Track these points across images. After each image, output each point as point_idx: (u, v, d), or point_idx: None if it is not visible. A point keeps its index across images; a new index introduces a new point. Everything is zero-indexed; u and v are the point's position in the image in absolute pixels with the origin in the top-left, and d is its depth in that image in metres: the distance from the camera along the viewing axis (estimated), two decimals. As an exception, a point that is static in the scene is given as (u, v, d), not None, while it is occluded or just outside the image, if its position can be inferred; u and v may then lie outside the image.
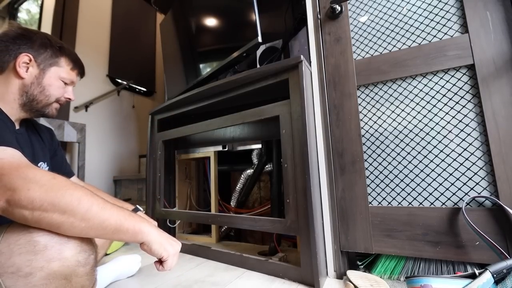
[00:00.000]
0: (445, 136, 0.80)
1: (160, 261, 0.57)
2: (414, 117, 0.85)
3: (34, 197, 0.43)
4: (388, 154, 0.88)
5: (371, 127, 0.92)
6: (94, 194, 0.50)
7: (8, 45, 0.65)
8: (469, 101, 0.78)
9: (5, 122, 0.59)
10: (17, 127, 0.71)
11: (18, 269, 0.43)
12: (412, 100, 0.86)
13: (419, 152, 0.83)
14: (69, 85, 0.75)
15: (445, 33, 0.83)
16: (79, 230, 0.47)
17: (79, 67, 0.77)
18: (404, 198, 0.84)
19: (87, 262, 0.50)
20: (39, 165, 0.73)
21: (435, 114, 0.82)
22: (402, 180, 0.85)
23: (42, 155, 0.77)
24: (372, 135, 0.91)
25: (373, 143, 0.91)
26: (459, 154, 0.78)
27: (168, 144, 1.52)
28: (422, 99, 0.84)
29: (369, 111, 0.92)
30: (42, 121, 1.60)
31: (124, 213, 0.52)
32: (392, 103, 0.89)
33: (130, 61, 2.48)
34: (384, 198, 0.87)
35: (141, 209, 0.93)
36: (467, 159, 0.77)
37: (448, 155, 0.79)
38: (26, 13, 2.70)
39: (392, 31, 0.91)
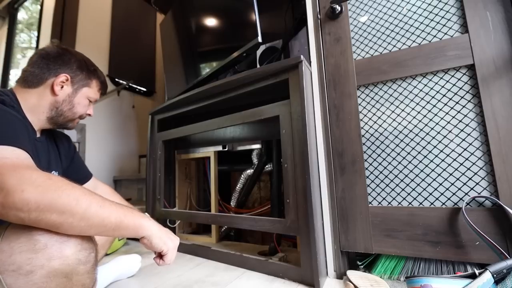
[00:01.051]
0: (445, 136, 0.80)
1: (160, 256, 0.58)
2: (414, 117, 0.85)
3: (29, 199, 0.42)
4: (388, 154, 0.88)
5: (371, 127, 0.92)
6: (92, 192, 0.50)
7: (49, 63, 0.71)
8: (469, 101, 0.78)
9: (26, 128, 0.61)
10: (38, 135, 0.75)
11: (19, 267, 0.43)
12: (412, 100, 0.86)
13: (419, 152, 0.83)
14: (92, 103, 0.82)
15: (445, 33, 0.83)
16: (79, 229, 0.47)
17: (104, 88, 0.85)
18: (404, 198, 0.84)
19: (88, 260, 0.50)
20: (51, 173, 0.75)
21: (435, 114, 0.82)
22: (402, 180, 0.85)
23: (55, 164, 0.79)
24: (372, 135, 0.91)
25: (373, 143, 0.91)
26: (459, 154, 0.78)
27: (168, 144, 1.52)
28: (422, 99, 0.84)
29: (369, 111, 0.92)
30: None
31: (123, 209, 0.52)
32: (392, 103, 0.89)
33: (130, 61, 2.48)
34: (384, 198, 0.87)
35: (149, 216, 0.96)
36: (467, 159, 0.77)
37: (448, 155, 0.79)
38: (26, 13, 2.70)
39: (392, 31, 0.91)
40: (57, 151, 0.83)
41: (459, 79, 0.80)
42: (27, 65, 0.71)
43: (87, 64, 0.78)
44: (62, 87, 0.72)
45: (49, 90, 0.70)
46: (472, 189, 0.75)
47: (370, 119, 0.92)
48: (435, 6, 0.85)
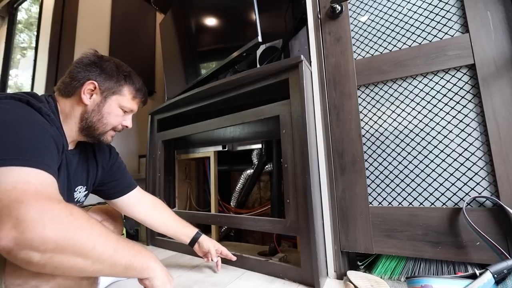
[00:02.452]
0: (445, 136, 0.80)
1: None
2: (415, 117, 0.85)
3: (49, 237, 0.38)
4: (389, 154, 0.88)
5: (371, 127, 0.91)
6: (109, 232, 0.48)
7: (80, 71, 0.66)
8: (469, 101, 0.78)
9: (57, 141, 0.55)
10: (71, 147, 0.70)
11: (25, 281, 0.42)
12: (412, 100, 0.86)
13: (419, 152, 0.83)
14: (128, 114, 0.74)
15: (446, 33, 0.82)
16: (87, 273, 0.45)
17: (142, 96, 0.76)
18: (404, 198, 0.84)
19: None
20: (76, 189, 0.71)
21: (436, 114, 0.82)
22: (402, 180, 0.85)
23: (85, 177, 0.74)
24: (372, 135, 0.91)
25: (373, 143, 0.90)
26: (460, 154, 0.78)
27: (168, 144, 1.51)
28: (423, 99, 0.84)
29: (369, 111, 0.92)
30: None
31: (134, 250, 0.52)
32: (392, 103, 0.89)
33: (130, 60, 2.47)
34: (384, 198, 0.87)
35: (202, 234, 0.99)
36: (467, 159, 0.77)
37: (448, 155, 0.79)
38: (26, 13, 2.69)
39: (393, 30, 0.91)
40: (95, 163, 0.77)
41: (459, 79, 0.80)
42: (65, 74, 0.68)
43: (119, 69, 0.70)
44: (91, 96, 0.66)
45: (79, 100, 0.65)
46: (472, 189, 0.75)
47: (370, 119, 0.92)
48: (435, 6, 0.85)
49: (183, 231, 0.96)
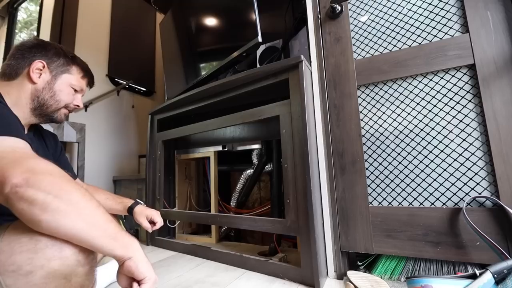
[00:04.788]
0: (445, 136, 0.80)
1: (130, 284, 0.51)
2: (415, 117, 0.85)
3: (56, 182, 0.43)
4: (389, 154, 0.88)
5: (371, 127, 0.91)
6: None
7: (24, 53, 0.69)
8: (469, 101, 0.78)
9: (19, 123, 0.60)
10: (26, 132, 0.73)
11: (19, 267, 0.42)
12: (412, 100, 0.86)
13: (419, 152, 0.83)
14: (78, 93, 0.78)
15: (446, 33, 0.82)
16: (80, 230, 0.45)
17: (89, 77, 0.81)
18: (404, 198, 0.84)
19: (87, 262, 0.49)
20: None
21: (436, 114, 0.82)
22: (402, 180, 0.85)
23: None
24: (372, 135, 0.91)
25: (373, 143, 0.90)
26: (460, 154, 0.78)
27: (168, 144, 1.51)
28: (423, 99, 0.84)
29: (369, 111, 0.92)
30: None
31: (117, 224, 0.50)
32: (392, 103, 0.89)
33: (130, 60, 2.48)
34: (384, 198, 0.87)
35: (142, 202, 0.95)
36: (467, 159, 0.77)
37: (448, 155, 0.79)
38: (26, 13, 2.69)
39: (393, 30, 0.91)
40: (46, 148, 0.81)
41: (459, 79, 0.80)
42: (6, 59, 0.71)
43: (64, 51, 0.75)
44: (40, 75, 0.70)
45: (27, 80, 0.69)
46: (472, 189, 0.75)
47: (370, 119, 0.92)
48: (435, 6, 0.85)
49: (117, 207, 0.93)
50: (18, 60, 0.69)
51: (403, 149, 0.86)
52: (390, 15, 0.92)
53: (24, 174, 0.41)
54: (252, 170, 1.35)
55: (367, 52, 0.94)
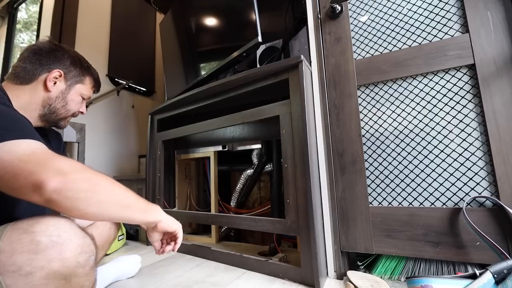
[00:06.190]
0: (445, 136, 0.80)
1: (167, 243, 0.66)
2: (415, 117, 0.85)
3: (89, 177, 0.46)
4: (389, 154, 0.88)
5: (371, 127, 0.91)
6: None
7: (42, 59, 0.69)
8: (469, 101, 0.78)
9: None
10: None
11: (19, 268, 0.43)
12: (412, 100, 0.86)
13: (419, 152, 0.83)
14: (84, 100, 0.80)
15: (446, 33, 0.82)
16: (122, 207, 0.52)
17: (98, 85, 0.83)
18: (404, 198, 0.84)
19: (87, 264, 0.50)
20: None
21: (436, 114, 0.82)
22: (402, 180, 0.85)
23: None
24: (372, 135, 0.91)
25: (373, 143, 0.90)
26: (460, 154, 0.78)
27: (168, 144, 1.51)
28: (423, 99, 0.84)
29: (369, 111, 0.92)
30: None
31: (141, 198, 0.58)
32: (392, 103, 0.89)
33: (130, 60, 2.48)
34: (384, 198, 0.87)
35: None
36: (467, 159, 0.77)
37: (448, 155, 0.79)
38: (26, 13, 2.69)
39: (393, 30, 0.91)
40: (50, 146, 0.81)
41: (459, 79, 0.80)
42: (18, 60, 0.69)
43: (81, 60, 0.77)
44: (55, 83, 0.70)
45: (41, 86, 0.68)
46: (472, 189, 0.75)
47: (370, 119, 0.92)
48: (435, 6, 0.85)
49: None
50: (34, 65, 0.68)
51: (403, 149, 0.86)
52: (390, 15, 0.92)
53: (57, 177, 0.42)
54: (252, 170, 1.35)
55: (367, 52, 0.94)
